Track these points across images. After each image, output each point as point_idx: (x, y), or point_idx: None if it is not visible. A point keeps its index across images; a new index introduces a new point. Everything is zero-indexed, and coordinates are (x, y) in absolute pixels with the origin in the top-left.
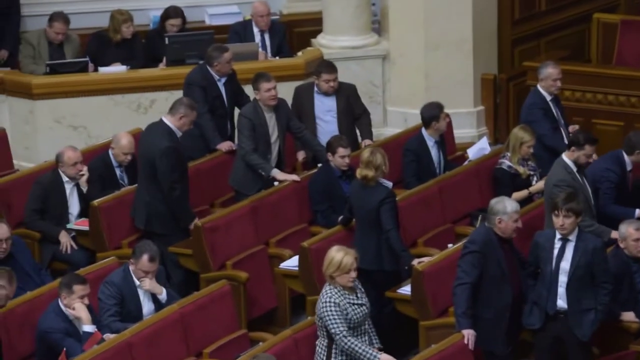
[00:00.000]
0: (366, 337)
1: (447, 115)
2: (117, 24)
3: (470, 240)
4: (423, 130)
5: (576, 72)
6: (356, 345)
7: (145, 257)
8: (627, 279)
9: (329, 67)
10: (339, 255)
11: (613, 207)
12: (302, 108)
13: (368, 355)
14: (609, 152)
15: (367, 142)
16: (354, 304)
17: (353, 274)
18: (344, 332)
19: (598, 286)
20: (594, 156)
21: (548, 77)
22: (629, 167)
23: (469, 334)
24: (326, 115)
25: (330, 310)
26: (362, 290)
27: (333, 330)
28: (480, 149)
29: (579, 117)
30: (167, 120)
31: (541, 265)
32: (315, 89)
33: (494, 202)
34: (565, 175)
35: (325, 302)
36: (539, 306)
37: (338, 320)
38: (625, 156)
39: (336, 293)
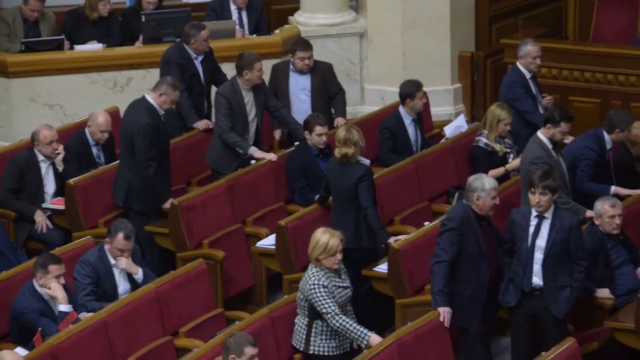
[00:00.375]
0: None
1: (425, 95)
2: (93, 2)
3: (448, 217)
4: (400, 108)
5: (553, 49)
6: (347, 323)
7: (120, 235)
8: (602, 256)
9: (304, 44)
10: (324, 237)
11: (589, 185)
12: (278, 86)
13: (359, 333)
14: (589, 130)
15: (340, 120)
16: (339, 286)
17: (339, 256)
18: (336, 311)
19: (573, 263)
20: (569, 137)
21: (528, 54)
22: (608, 146)
23: (445, 312)
24: (300, 94)
25: (320, 292)
26: (346, 271)
27: (324, 310)
28: (457, 126)
29: (556, 94)
30: (149, 97)
31: (517, 243)
32: (291, 67)
33: (472, 179)
34: (540, 153)
35: (314, 284)
36: (515, 283)
37: (328, 300)
38: (606, 135)
39: (323, 275)
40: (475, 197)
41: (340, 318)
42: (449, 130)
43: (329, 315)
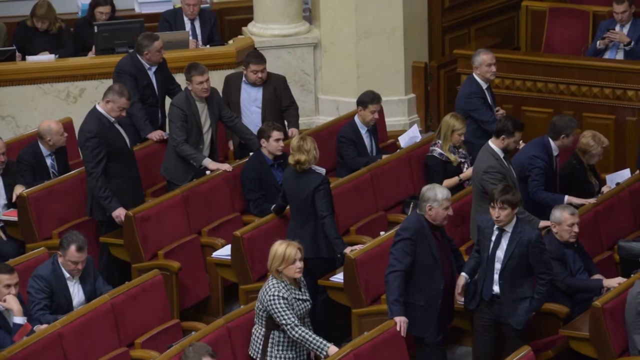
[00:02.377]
0: None
1: (380, 111)
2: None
3: (402, 227)
4: (356, 118)
5: (506, 60)
6: (307, 334)
7: (73, 248)
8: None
9: (257, 57)
10: (281, 247)
11: (543, 194)
12: (230, 97)
13: (319, 344)
14: (535, 139)
15: (294, 130)
16: (298, 299)
17: (299, 264)
18: (295, 322)
19: (536, 276)
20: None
21: (482, 63)
22: (555, 153)
23: (401, 321)
24: (251, 106)
25: (280, 304)
26: (305, 284)
27: (284, 322)
28: (411, 136)
29: (509, 104)
30: (99, 106)
31: (481, 251)
32: (244, 79)
33: (425, 189)
34: (493, 162)
35: (273, 295)
36: (478, 289)
37: (288, 312)
38: (551, 142)
39: (283, 287)
40: (428, 207)
41: (300, 329)
42: (403, 141)
43: (289, 327)
